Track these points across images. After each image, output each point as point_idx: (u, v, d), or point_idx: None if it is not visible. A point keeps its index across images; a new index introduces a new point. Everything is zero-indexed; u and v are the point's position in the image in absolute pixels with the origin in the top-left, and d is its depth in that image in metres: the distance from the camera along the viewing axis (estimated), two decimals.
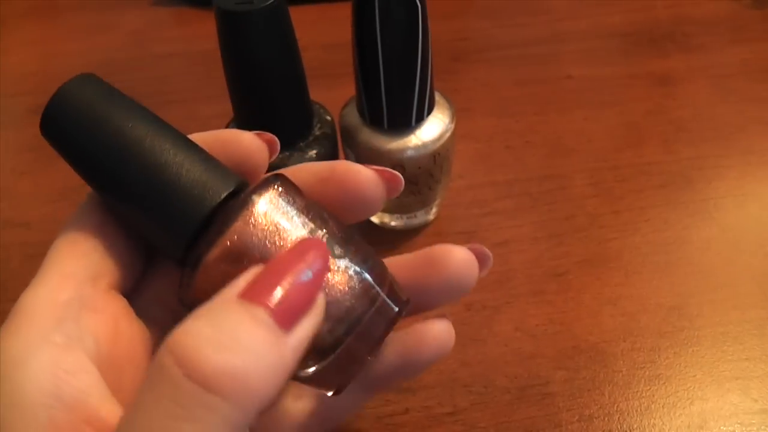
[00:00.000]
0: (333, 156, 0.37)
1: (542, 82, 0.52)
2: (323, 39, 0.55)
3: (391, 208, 0.39)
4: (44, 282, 0.19)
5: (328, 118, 0.38)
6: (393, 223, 0.41)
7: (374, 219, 0.41)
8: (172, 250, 0.20)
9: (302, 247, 0.18)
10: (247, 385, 0.15)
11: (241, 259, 0.19)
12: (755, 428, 0.32)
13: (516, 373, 0.35)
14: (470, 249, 0.22)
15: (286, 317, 0.16)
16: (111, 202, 0.21)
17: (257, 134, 0.22)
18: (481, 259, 0.23)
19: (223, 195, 0.20)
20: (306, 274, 0.17)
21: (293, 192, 0.21)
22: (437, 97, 0.37)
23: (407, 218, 0.40)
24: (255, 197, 0.20)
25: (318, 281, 0.17)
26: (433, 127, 0.36)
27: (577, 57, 0.54)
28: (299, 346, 0.16)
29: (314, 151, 0.36)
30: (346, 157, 0.38)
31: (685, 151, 0.46)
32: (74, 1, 0.63)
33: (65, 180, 0.46)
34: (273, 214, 0.19)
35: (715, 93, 0.50)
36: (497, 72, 0.53)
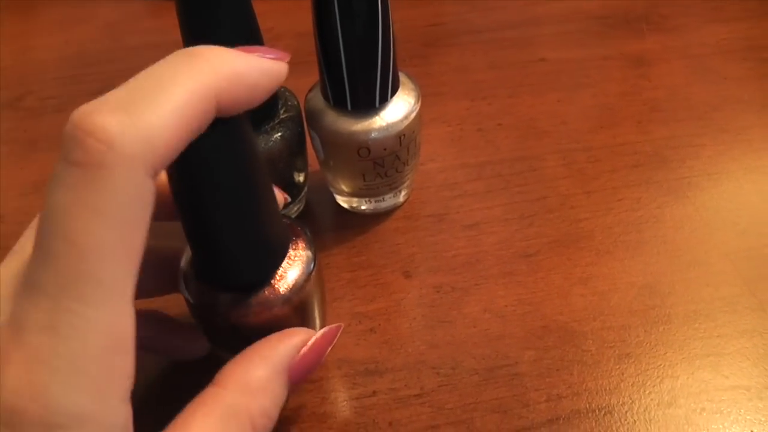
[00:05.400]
0: (298, 138, 0.37)
1: (515, 65, 0.51)
2: (297, 27, 0.55)
3: (359, 192, 0.39)
4: (104, 302, 0.16)
5: (294, 102, 0.38)
6: (363, 207, 0.41)
7: (343, 203, 0.41)
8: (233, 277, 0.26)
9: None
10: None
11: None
12: (725, 405, 0.32)
13: (484, 354, 0.34)
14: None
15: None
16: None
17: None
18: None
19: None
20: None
21: None
22: (402, 78, 0.37)
23: (376, 201, 0.40)
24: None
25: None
26: (398, 108, 0.36)
27: (551, 40, 0.54)
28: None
29: (279, 134, 0.36)
30: (312, 140, 0.38)
31: (659, 131, 0.45)
32: None
33: (39, 173, 0.46)
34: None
35: (691, 73, 0.50)
36: (470, 56, 0.53)
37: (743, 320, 0.35)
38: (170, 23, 0.58)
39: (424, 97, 0.37)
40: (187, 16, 0.32)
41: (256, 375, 0.23)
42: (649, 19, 0.55)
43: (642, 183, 0.42)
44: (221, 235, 0.25)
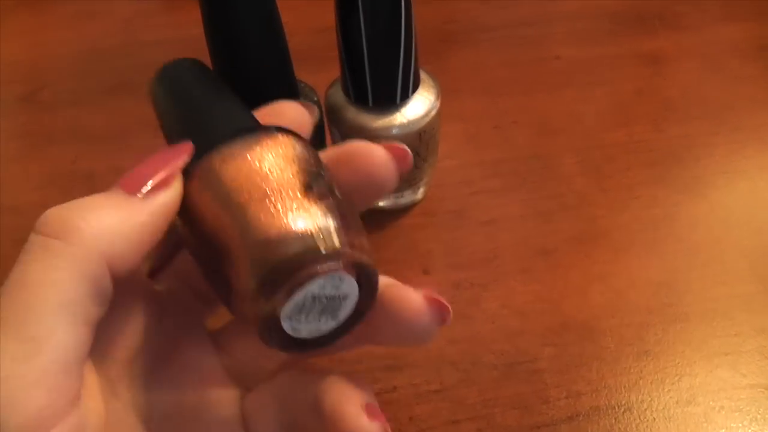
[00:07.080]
0: (318, 133, 0.37)
1: (530, 62, 0.51)
2: (312, 23, 0.55)
3: None
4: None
5: (315, 97, 0.38)
6: (381, 203, 0.41)
7: None
8: None
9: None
10: (81, 227, 0.17)
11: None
12: (744, 403, 0.32)
13: (503, 349, 0.34)
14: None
15: (133, 184, 0.18)
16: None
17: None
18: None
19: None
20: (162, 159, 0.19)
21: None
22: (423, 75, 0.37)
23: (395, 198, 0.40)
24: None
25: (167, 159, 0.19)
26: (419, 105, 0.36)
27: (565, 38, 0.54)
28: (152, 209, 0.18)
29: None
30: (332, 136, 0.38)
31: (673, 129, 0.46)
32: None
33: (54, 166, 0.46)
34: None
35: (705, 72, 0.50)
36: (485, 53, 0.53)
37: (760, 318, 0.35)
38: (185, 19, 0.58)
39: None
40: (210, 11, 0.32)
41: None
42: (662, 17, 0.55)
43: (657, 181, 0.42)
44: None
